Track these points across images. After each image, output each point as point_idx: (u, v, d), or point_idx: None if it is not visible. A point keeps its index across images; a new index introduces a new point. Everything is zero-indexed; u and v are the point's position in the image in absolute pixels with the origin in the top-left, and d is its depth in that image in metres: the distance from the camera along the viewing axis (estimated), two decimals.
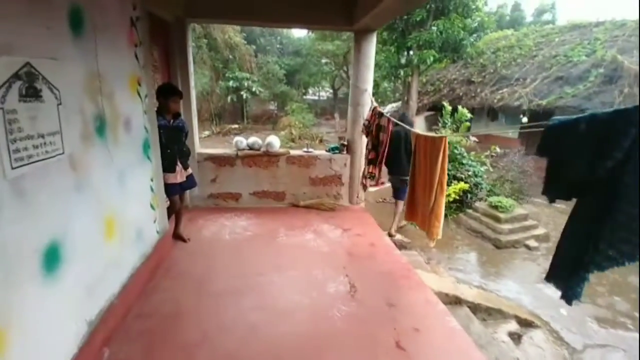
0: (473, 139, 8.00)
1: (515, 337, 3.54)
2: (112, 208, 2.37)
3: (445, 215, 4.24)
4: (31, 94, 1.63)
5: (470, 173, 6.90)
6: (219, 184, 4.88)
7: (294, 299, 2.88)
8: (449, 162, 5.70)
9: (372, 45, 4.71)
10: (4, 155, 1.44)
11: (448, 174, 5.03)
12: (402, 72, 13.52)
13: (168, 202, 3.60)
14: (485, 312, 3.69)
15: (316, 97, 29.49)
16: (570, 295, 1.66)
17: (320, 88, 28.37)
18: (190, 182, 3.80)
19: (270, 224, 4.38)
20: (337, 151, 5.10)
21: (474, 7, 11.94)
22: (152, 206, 3.12)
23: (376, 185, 4.14)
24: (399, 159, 4.81)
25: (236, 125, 18.69)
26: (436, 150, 2.81)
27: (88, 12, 2.06)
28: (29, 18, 1.61)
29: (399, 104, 16.10)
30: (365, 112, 4.83)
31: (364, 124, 4.31)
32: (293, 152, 5.01)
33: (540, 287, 4.89)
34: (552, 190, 1.76)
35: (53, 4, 1.78)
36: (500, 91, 12.72)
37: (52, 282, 1.71)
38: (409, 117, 5.72)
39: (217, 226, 4.27)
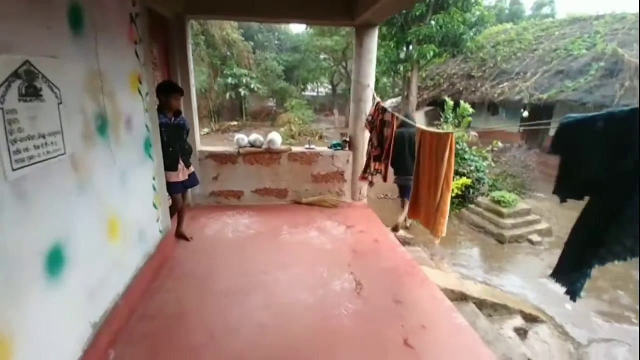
0: (474, 133, 7.97)
1: (521, 333, 3.53)
2: (115, 208, 2.33)
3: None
4: (31, 93, 1.58)
5: (472, 168, 6.87)
6: (221, 181, 4.84)
7: (300, 297, 2.86)
8: None
9: (373, 40, 4.66)
10: (4, 157, 1.40)
11: None
12: (401, 67, 13.46)
13: (170, 201, 3.56)
14: (491, 308, 3.67)
15: (315, 93, 29.41)
16: (572, 290, 1.64)
17: (318, 84, 28.29)
18: (192, 180, 3.76)
19: (273, 222, 4.35)
20: (339, 147, 5.06)
21: (473, 0, 11.85)
22: (154, 205, 3.08)
23: (378, 181, 4.10)
24: (404, 160, 4.79)
25: (235, 122, 18.62)
26: (442, 147, 2.77)
27: (88, 9, 2.01)
28: (28, 16, 1.56)
29: (398, 99, 16.04)
30: (368, 108, 4.79)
31: (367, 120, 4.27)
32: (295, 149, 4.97)
33: (544, 282, 4.89)
34: (564, 189, 1.73)
35: (53, 2, 1.74)
36: (501, 85, 12.67)
37: (55, 285, 1.68)
38: (412, 117, 5.71)
39: (219, 224, 4.24)
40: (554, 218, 6.98)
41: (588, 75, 10.06)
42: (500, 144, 7.31)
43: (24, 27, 1.54)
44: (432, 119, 14.23)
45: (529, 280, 4.90)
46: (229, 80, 17.54)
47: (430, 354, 2.36)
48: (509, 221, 6.06)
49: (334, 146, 5.08)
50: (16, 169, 1.47)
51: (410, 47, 12.87)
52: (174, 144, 3.41)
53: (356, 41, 4.73)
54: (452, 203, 6.61)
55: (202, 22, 15.87)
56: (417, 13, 11.42)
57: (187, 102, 4.29)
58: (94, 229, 2.07)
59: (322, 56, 21.32)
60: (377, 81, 15.31)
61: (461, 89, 14.25)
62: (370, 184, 4.05)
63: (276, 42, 24.06)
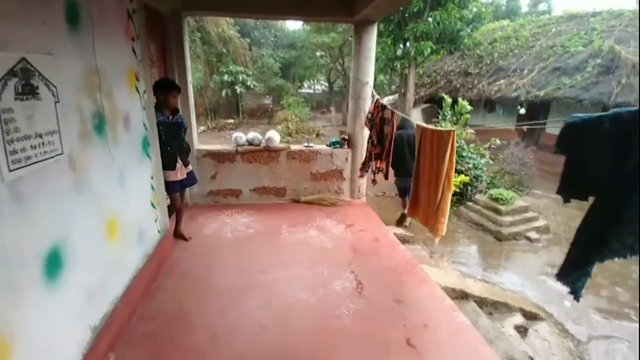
0: (470, 131, 7.97)
1: (522, 331, 3.53)
2: (113, 209, 2.29)
3: None
4: (27, 91, 1.54)
5: (470, 165, 6.87)
6: (219, 180, 4.80)
7: (300, 297, 2.84)
8: None
9: (372, 37, 4.62)
10: (1, 157, 1.37)
11: None
12: (398, 64, 13.41)
13: (168, 200, 3.52)
14: (492, 306, 3.67)
15: (311, 91, 29.30)
16: (574, 290, 1.64)
17: (315, 81, 28.19)
18: (190, 179, 3.72)
19: (272, 221, 4.32)
20: (337, 145, 5.03)
21: None
22: (152, 205, 3.04)
23: (380, 179, 4.09)
24: (404, 161, 4.82)
25: (231, 120, 18.49)
26: (443, 145, 2.75)
27: (84, 4, 1.97)
28: (23, 12, 1.52)
29: (395, 96, 15.99)
30: (367, 105, 4.76)
31: (367, 117, 4.25)
32: (293, 147, 4.93)
33: (543, 279, 4.90)
34: (568, 190, 1.71)
35: None
36: (498, 82, 12.66)
37: (54, 288, 1.64)
38: (411, 121, 5.73)
39: (218, 224, 4.21)
40: (551, 215, 7.00)
41: (585, 72, 10.07)
42: (498, 142, 7.30)
43: (19, 23, 1.49)
44: (429, 116, 14.21)
45: (528, 277, 4.91)
46: (225, 77, 17.41)
47: (433, 354, 2.35)
48: (507, 219, 6.07)
49: (333, 144, 5.05)
50: (13, 170, 1.43)
51: (408, 44, 12.81)
52: (172, 143, 3.36)
53: (355, 38, 4.69)
54: (450, 201, 6.64)
55: (197, 19, 15.73)
56: (415, 10, 11.36)
57: (184, 100, 4.24)
58: (93, 230, 2.03)
59: (318, 53, 21.22)
60: (374, 78, 15.23)
61: (458, 86, 14.23)
62: (373, 182, 4.03)
63: (272, 39, 23.87)
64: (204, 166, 4.68)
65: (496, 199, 6.32)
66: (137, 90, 2.76)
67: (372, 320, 2.62)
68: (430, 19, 11.36)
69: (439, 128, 2.95)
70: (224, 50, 18.08)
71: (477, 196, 6.82)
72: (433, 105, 15.27)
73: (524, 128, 10.15)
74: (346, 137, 5.04)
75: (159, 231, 3.18)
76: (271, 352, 2.28)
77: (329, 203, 4.93)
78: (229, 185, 4.84)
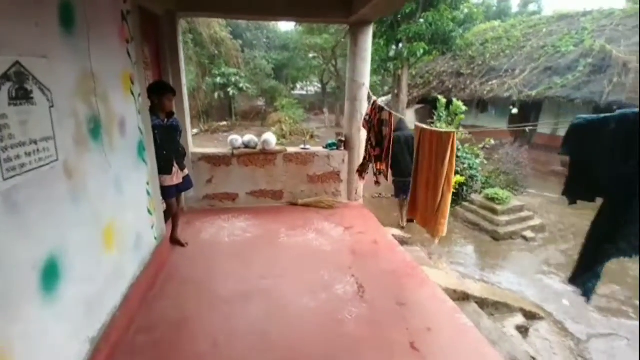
0: (463, 131, 7.99)
1: (523, 331, 3.53)
2: (110, 216, 2.23)
3: None
4: (22, 96, 1.48)
5: (465, 166, 6.89)
6: (215, 184, 4.74)
7: (302, 302, 2.80)
8: None
9: (368, 38, 4.61)
10: None
11: None
12: (391, 65, 13.45)
13: (164, 206, 3.45)
14: (493, 307, 3.67)
15: (304, 92, 29.26)
16: (585, 291, 1.63)
17: (308, 83, 28.16)
18: (187, 184, 3.66)
19: (270, 225, 4.27)
20: (334, 147, 5.00)
21: None
22: (149, 211, 2.98)
23: (382, 180, 4.08)
24: (400, 162, 4.83)
25: (225, 123, 18.38)
26: (443, 146, 2.73)
27: (79, 5, 1.91)
28: (15, 13, 1.46)
29: (388, 97, 16.04)
30: (363, 107, 4.74)
31: (364, 119, 4.23)
32: (290, 150, 4.89)
33: (540, 278, 4.93)
34: (574, 191, 1.70)
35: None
36: (490, 83, 12.77)
37: (51, 301, 1.58)
38: (406, 122, 5.74)
39: (215, 228, 4.14)
40: (546, 214, 7.06)
41: (576, 72, 10.19)
42: (492, 142, 7.34)
43: (12, 25, 1.44)
44: (422, 117, 14.26)
45: (526, 276, 4.93)
46: (218, 80, 17.30)
47: (437, 357, 2.33)
48: (503, 218, 6.09)
49: (330, 146, 5.03)
50: (7, 179, 1.37)
51: (401, 45, 12.86)
52: (168, 147, 3.30)
53: (351, 39, 4.67)
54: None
55: (189, 21, 15.61)
56: (407, 11, 11.41)
57: (178, 103, 4.17)
58: (90, 239, 1.97)
59: (311, 55, 21.20)
60: None
61: (451, 86, 14.32)
62: (377, 183, 4.01)
63: (265, 40, 23.81)
64: (200, 170, 4.61)
65: (492, 199, 6.34)
66: (132, 94, 2.70)
67: (375, 324, 2.59)
68: (422, 20, 11.41)
69: (438, 129, 2.94)
70: (216, 52, 17.98)
71: (473, 196, 6.84)
72: (426, 105, 15.34)
73: (505, 126, 10.23)
74: (343, 138, 5.01)
75: (155, 238, 3.11)
76: (274, 358, 2.24)
77: (327, 205, 4.90)
78: (225, 189, 4.78)
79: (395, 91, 14.16)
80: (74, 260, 1.76)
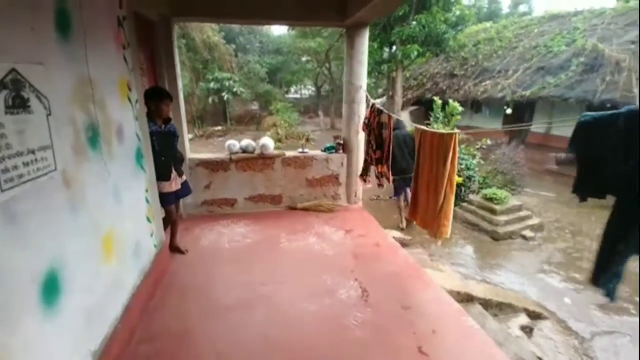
0: (457, 131, 8.01)
1: (527, 331, 3.52)
2: (109, 225, 2.18)
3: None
4: (18, 104, 1.44)
5: (462, 166, 6.90)
6: (213, 190, 4.68)
7: (306, 309, 2.75)
8: None
9: (364, 41, 4.61)
10: None
11: None
12: (385, 68, 13.49)
13: (163, 213, 3.40)
14: (497, 307, 3.65)
15: (298, 96, 29.28)
16: (608, 292, 1.62)
17: (302, 86, 28.18)
18: (185, 190, 3.61)
19: (270, 230, 4.23)
20: (333, 150, 4.98)
21: (453, 0, 11.97)
22: (148, 219, 2.92)
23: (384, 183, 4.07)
24: (399, 161, 4.83)
25: (219, 127, 18.31)
26: (445, 147, 2.72)
27: (75, 11, 1.87)
28: (10, 18, 1.42)
29: (383, 99, 16.08)
30: (361, 109, 4.73)
31: (364, 122, 4.21)
32: (288, 154, 4.85)
33: (541, 277, 4.93)
34: (584, 189, 1.69)
35: (38, 5, 1.59)
36: (483, 83, 12.84)
37: (52, 314, 1.53)
38: (403, 122, 5.75)
39: (214, 234, 4.09)
40: (543, 213, 7.09)
41: (569, 71, 10.27)
42: (489, 142, 7.36)
43: (7, 31, 1.39)
44: (417, 118, 14.33)
45: (527, 276, 4.92)
46: (212, 85, 17.24)
47: None
48: (502, 218, 6.10)
49: (328, 149, 5.00)
50: (5, 190, 1.33)
51: (394, 47, 12.91)
52: (166, 153, 3.25)
53: (347, 42, 4.67)
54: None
55: (182, 26, 15.55)
56: (400, 13, 11.46)
57: (175, 108, 4.11)
58: (89, 249, 1.92)
59: (304, 58, 21.24)
60: None
61: (444, 88, 14.40)
62: (379, 185, 3.99)
63: (258, 44, 23.82)
64: (197, 176, 4.56)
65: (490, 199, 6.35)
66: (129, 100, 2.65)
67: (382, 329, 2.56)
68: (415, 23, 11.46)
69: (439, 130, 2.92)
70: (210, 56, 17.92)
71: (471, 196, 6.85)
72: (420, 107, 15.42)
73: (499, 126, 10.31)
74: (341, 141, 4.99)
75: (155, 246, 3.05)
76: None
77: (326, 209, 4.86)
78: (224, 194, 4.73)
79: (390, 93, 14.20)
80: (74, 271, 1.71)
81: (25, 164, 1.45)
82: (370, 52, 12.75)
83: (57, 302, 1.57)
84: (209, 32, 17.40)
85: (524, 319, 3.60)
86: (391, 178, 3.81)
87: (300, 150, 4.98)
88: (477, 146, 7.46)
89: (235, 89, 17.64)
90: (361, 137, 4.81)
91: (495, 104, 12.91)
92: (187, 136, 4.67)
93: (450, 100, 6.89)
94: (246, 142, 4.77)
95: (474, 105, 14.04)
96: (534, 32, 13.32)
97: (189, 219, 4.49)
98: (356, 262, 3.54)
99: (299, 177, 4.89)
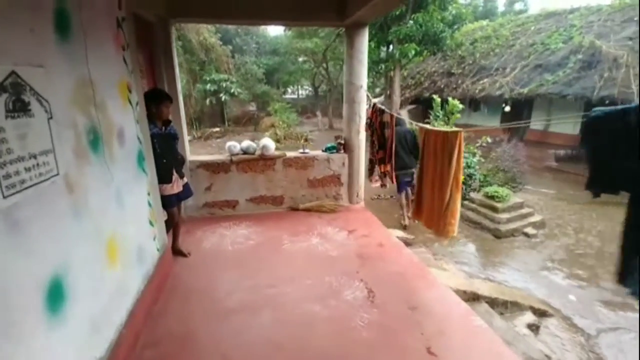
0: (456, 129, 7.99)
1: (534, 328, 3.50)
2: (113, 230, 2.14)
3: None
4: (19, 108, 1.40)
5: (463, 164, 6.88)
6: (214, 192, 4.65)
7: (312, 310, 2.72)
8: None
9: (364, 40, 4.58)
10: None
11: None
12: (383, 67, 13.48)
13: (165, 215, 3.36)
14: (503, 306, 3.63)
15: (295, 96, 29.26)
16: (635, 291, 1.59)
17: (299, 86, 28.15)
18: (186, 192, 3.58)
19: (273, 231, 4.20)
20: (334, 151, 4.95)
21: None
22: (150, 222, 2.88)
23: (388, 182, 4.05)
24: (400, 157, 4.82)
25: (217, 129, 18.25)
26: (450, 146, 2.70)
27: (74, 12, 1.83)
28: (9, 20, 1.38)
29: (381, 98, 16.07)
30: (362, 109, 4.70)
31: (366, 122, 4.19)
32: (289, 154, 4.82)
33: (545, 275, 4.92)
34: (597, 184, 1.66)
35: (37, 7, 1.56)
36: (481, 81, 12.85)
37: (57, 323, 1.49)
38: (402, 119, 5.74)
39: (216, 237, 4.05)
40: (544, 210, 7.09)
41: (567, 68, 10.29)
42: (489, 140, 7.35)
43: (6, 33, 1.35)
44: (415, 117, 14.29)
45: (530, 273, 4.91)
46: (208, 86, 17.18)
47: None
48: (504, 216, 6.08)
49: (329, 149, 4.97)
50: (7, 196, 1.29)
51: (391, 46, 12.90)
52: (167, 155, 3.22)
53: (347, 42, 4.63)
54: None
55: (178, 27, 15.49)
56: (397, 12, 11.45)
57: (174, 110, 4.07)
58: (94, 255, 1.88)
59: (301, 59, 21.21)
60: None
61: (442, 86, 14.40)
62: (383, 186, 3.97)
63: (254, 45, 23.78)
64: (198, 178, 4.52)
65: (492, 197, 6.34)
66: (130, 103, 2.61)
67: (389, 330, 2.53)
68: (412, 22, 11.45)
69: (444, 129, 2.90)
70: (206, 58, 17.87)
71: (472, 194, 6.83)
72: (418, 106, 15.41)
73: (497, 124, 10.31)
74: (342, 141, 4.96)
75: (158, 249, 3.01)
76: None
77: (328, 209, 4.83)
78: (225, 196, 4.70)
79: (388, 92, 14.20)
80: (79, 278, 1.67)
81: (27, 169, 1.42)
82: (367, 52, 12.82)
83: (62, 309, 1.53)
84: (205, 33, 17.35)
85: (530, 317, 3.58)
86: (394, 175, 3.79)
87: (301, 150, 4.95)
88: (477, 144, 7.44)
89: (232, 90, 17.59)
90: (362, 137, 4.79)
91: (493, 102, 12.93)
92: (187, 138, 4.63)
93: (450, 98, 6.87)
94: (247, 143, 4.74)
95: (472, 104, 14.07)
96: (530, 30, 13.34)
97: (190, 222, 4.45)
98: (361, 262, 3.51)
99: (300, 177, 4.86)
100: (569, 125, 11.18)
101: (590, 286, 4.65)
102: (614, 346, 3.67)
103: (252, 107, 22.39)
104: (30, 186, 1.42)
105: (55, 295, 1.49)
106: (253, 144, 4.74)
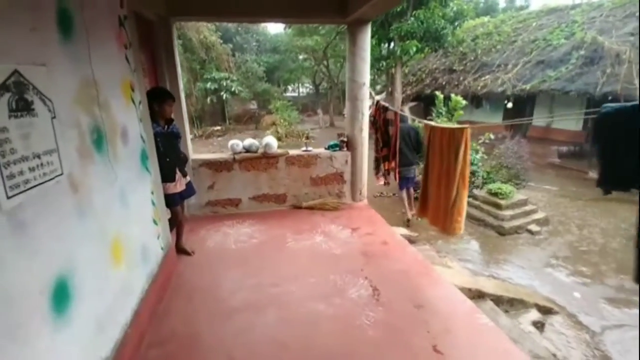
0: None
1: (539, 326, 3.48)
2: (117, 230, 2.13)
3: None
4: (22, 107, 1.38)
5: (470, 161, 6.85)
6: (217, 190, 4.64)
7: (317, 309, 2.71)
8: None
9: (367, 37, 4.55)
10: None
11: None
12: (384, 64, 13.42)
13: (169, 214, 3.35)
14: (508, 304, 3.62)
15: (296, 94, 29.21)
16: None
17: (300, 84, 28.09)
18: (189, 190, 3.57)
19: (276, 229, 4.18)
20: (337, 148, 4.93)
21: None
22: (154, 221, 2.87)
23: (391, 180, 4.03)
24: (404, 153, 4.80)
25: (218, 127, 18.23)
26: (456, 143, 2.68)
27: (77, 10, 1.81)
28: (11, 19, 1.36)
29: (382, 95, 16.01)
30: (365, 107, 4.68)
31: (370, 120, 4.16)
32: (292, 152, 4.81)
33: (549, 272, 4.89)
34: (608, 181, 1.64)
35: (40, 6, 1.54)
36: (483, 78, 12.79)
37: (63, 324, 1.48)
38: (405, 115, 5.72)
39: (220, 235, 4.05)
40: (548, 207, 7.06)
41: (569, 64, 10.22)
42: (492, 136, 7.31)
43: (8, 31, 1.34)
44: (416, 114, 14.22)
45: (535, 271, 4.89)
46: (209, 85, 17.15)
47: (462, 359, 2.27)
48: (507, 213, 6.06)
49: (332, 147, 4.95)
50: (11, 197, 1.27)
51: (392, 43, 12.84)
52: (170, 154, 3.21)
53: (349, 39, 4.60)
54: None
55: (178, 26, 15.45)
56: (398, 9, 11.38)
57: (177, 109, 4.04)
58: (99, 255, 1.87)
59: (301, 56, 21.15)
60: None
61: (444, 83, 14.34)
62: (386, 184, 3.95)
63: (255, 43, 23.73)
64: (201, 176, 4.51)
65: (495, 194, 6.31)
66: (133, 101, 2.60)
67: (395, 329, 2.52)
68: (412, 18, 11.38)
69: (450, 126, 2.88)
70: (207, 57, 17.83)
71: (475, 191, 6.80)
72: (419, 103, 15.36)
73: (500, 121, 10.28)
74: (345, 139, 4.94)
75: (162, 248, 3.01)
76: None
77: (331, 207, 4.82)
78: (228, 194, 4.69)
79: (389, 89, 14.14)
80: (84, 278, 1.66)
81: (31, 169, 1.40)
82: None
83: (68, 310, 1.52)
84: (205, 32, 17.29)
85: (535, 315, 3.56)
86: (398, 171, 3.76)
87: (304, 148, 4.93)
88: (480, 141, 7.41)
89: (233, 89, 17.55)
90: (365, 134, 4.77)
91: (495, 99, 12.87)
92: (189, 136, 4.62)
93: (453, 95, 6.83)
94: (249, 141, 4.72)
95: (474, 100, 13.99)
96: (532, 26, 13.26)
97: (193, 220, 4.44)
98: (365, 260, 3.49)
99: (303, 175, 4.84)
100: (571, 122, 11.13)
101: (595, 283, 4.63)
102: (619, 343, 3.65)
103: (253, 106, 22.34)
104: (35, 186, 1.41)
105: (61, 295, 1.48)
106: (256, 142, 4.72)
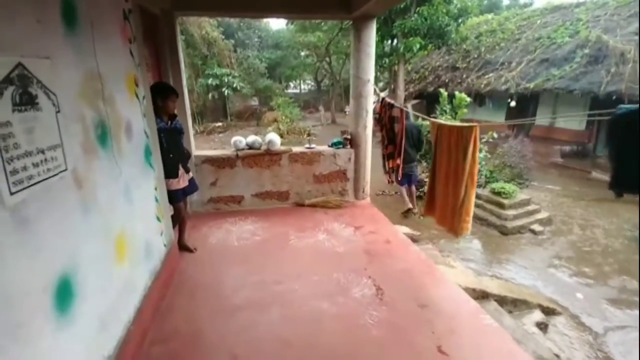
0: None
1: (543, 327, 3.47)
2: (122, 226, 2.11)
3: None
4: (26, 101, 1.35)
5: (478, 160, 6.82)
6: (220, 187, 4.61)
7: (321, 308, 2.69)
8: None
9: (372, 33, 4.51)
10: (1, 179, 1.18)
11: None
12: (387, 61, 13.36)
13: (171, 211, 3.33)
14: (512, 304, 3.60)
15: (297, 91, 29.10)
16: None
17: (302, 81, 27.99)
18: (192, 186, 3.54)
19: (279, 227, 4.16)
20: (340, 146, 4.89)
21: None
22: (157, 218, 2.85)
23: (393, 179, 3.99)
24: (407, 150, 4.75)
25: (219, 124, 18.19)
26: (464, 141, 2.65)
27: (81, 2, 1.78)
28: (15, 10, 1.33)
29: (385, 93, 15.96)
30: (369, 104, 4.64)
31: (374, 117, 4.13)
32: (295, 149, 4.77)
33: (552, 272, 4.88)
34: (622, 184, 1.61)
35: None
36: (487, 76, 12.73)
37: (66, 322, 1.46)
38: (409, 112, 5.68)
39: (222, 232, 4.02)
40: (551, 207, 7.03)
41: (573, 63, 10.16)
42: (495, 135, 7.27)
43: (12, 23, 1.31)
44: (419, 111, 14.20)
45: (538, 271, 4.87)
46: (210, 81, 17.08)
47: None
48: (510, 212, 6.04)
49: (335, 144, 4.92)
50: (15, 193, 1.25)
51: (396, 40, 12.77)
52: (173, 150, 3.18)
53: (354, 35, 4.56)
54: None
55: (180, 22, 15.36)
56: (402, 6, 11.30)
57: (180, 104, 4.04)
58: (103, 252, 1.85)
59: (303, 53, 21.06)
60: None
61: (447, 81, 14.28)
62: (390, 182, 3.92)
63: (257, 39, 23.59)
64: (203, 173, 4.49)
65: (498, 193, 6.28)
66: (137, 96, 2.57)
67: (399, 328, 2.50)
68: (416, 15, 11.31)
69: (458, 124, 2.84)
70: (209, 52, 17.74)
71: (478, 190, 6.77)
72: (422, 100, 15.30)
73: (502, 119, 10.24)
74: (348, 136, 4.90)
75: (164, 245, 2.99)
76: None
77: (334, 205, 4.79)
78: (230, 191, 4.66)
79: (392, 87, 14.08)
80: (88, 275, 1.64)
81: (35, 165, 1.37)
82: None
83: (71, 308, 1.50)
84: (207, 27, 17.20)
85: (538, 315, 3.55)
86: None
87: (307, 146, 4.89)
88: (484, 140, 7.36)
89: (235, 85, 17.47)
90: (369, 132, 4.73)
91: (498, 97, 12.81)
92: (192, 132, 4.60)
93: (457, 92, 6.78)
94: (252, 138, 4.69)
95: (477, 98, 13.92)
96: (536, 24, 13.18)
97: (195, 217, 4.42)
98: (368, 259, 3.47)
99: (306, 173, 4.81)
100: (574, 121, 11.09)
101: (597, 284, 4.61)
102: (622, 344, 3.64)
103: (255, 102, 22.26)
104: (39, 182, 1.38)
105: (64, 293, 1.46)
106: (259, 139, 4.69)
